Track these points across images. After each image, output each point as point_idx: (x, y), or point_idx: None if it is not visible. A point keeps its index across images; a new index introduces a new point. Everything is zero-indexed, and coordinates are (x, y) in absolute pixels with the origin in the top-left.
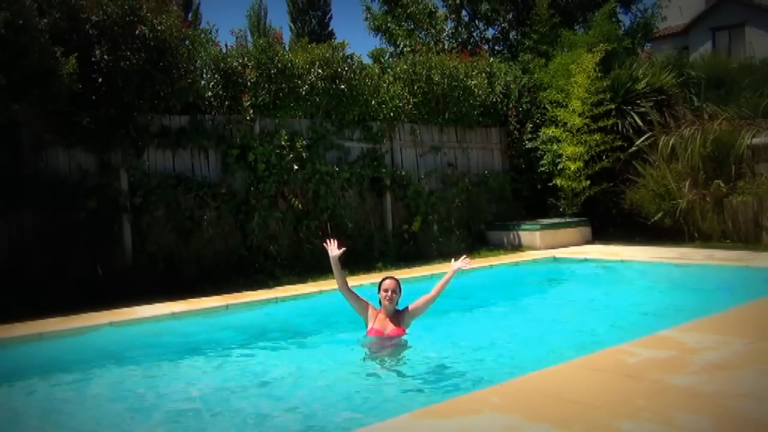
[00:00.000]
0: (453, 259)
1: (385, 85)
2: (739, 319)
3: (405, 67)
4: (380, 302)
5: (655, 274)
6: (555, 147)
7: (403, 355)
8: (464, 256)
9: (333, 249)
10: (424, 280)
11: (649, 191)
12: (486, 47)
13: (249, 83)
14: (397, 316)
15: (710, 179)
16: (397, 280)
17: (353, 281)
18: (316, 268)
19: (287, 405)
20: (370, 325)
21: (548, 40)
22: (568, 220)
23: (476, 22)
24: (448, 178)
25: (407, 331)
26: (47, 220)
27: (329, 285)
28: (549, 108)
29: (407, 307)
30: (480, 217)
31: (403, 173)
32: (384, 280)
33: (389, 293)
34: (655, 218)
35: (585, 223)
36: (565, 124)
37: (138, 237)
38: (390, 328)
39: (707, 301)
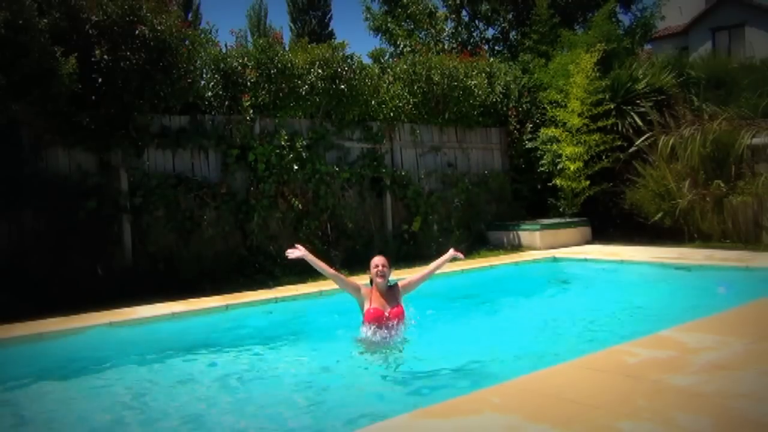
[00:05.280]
0: (452, 249)
1: (385, 85)
2: (739, 319)
3: (405, 67)
4: (371, 281)
5: (654, 274)
6: (555, 147)
7: (403, 349)
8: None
9: (297, 252)
10: None
11: (649, 191)
12: (486, 47)
13: (249, 83)
14: (392, 293)
15: (710, 179)
16: (386, 257)
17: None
18: None
19: (287, 405)
20: (367, 306)
21: (548, 40)
22: (568, 220)
23: (476, 22)
24: (448, 178)
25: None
26: (47, 220)
27: (329, 285)
28: (548, 108)
29: (397, 284)
30: (480, 217)
31: (403, 173)
32: (373, 257)
33: (380, 268)
34: (655, 218)
35: (585, 223)
36: (565, 124)
37: (138, 237)
38: (389, 307)
39: (707, 301)
